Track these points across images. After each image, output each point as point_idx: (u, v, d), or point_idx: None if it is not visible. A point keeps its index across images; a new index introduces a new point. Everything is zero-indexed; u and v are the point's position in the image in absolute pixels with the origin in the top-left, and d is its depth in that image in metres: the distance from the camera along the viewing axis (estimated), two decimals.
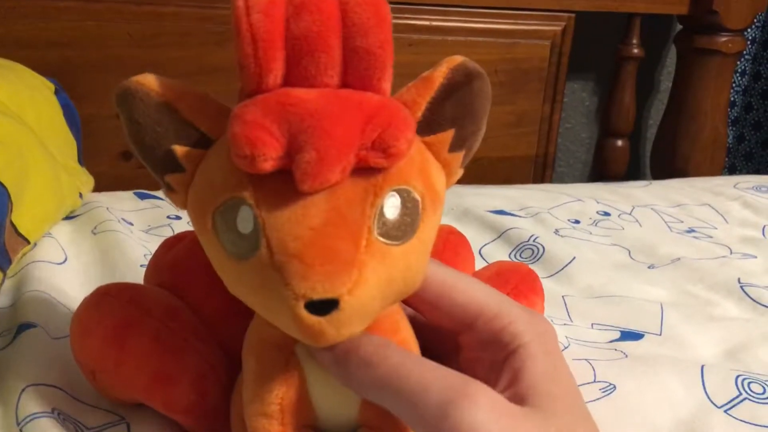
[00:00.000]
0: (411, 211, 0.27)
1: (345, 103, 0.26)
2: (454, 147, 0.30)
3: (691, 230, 0.74)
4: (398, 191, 0.27)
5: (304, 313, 0.25)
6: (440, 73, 0.29)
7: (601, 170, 1.23)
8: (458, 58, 0.30)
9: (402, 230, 0.27)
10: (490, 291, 0.31)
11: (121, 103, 0.28)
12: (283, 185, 0.26)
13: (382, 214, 0.26)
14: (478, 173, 0.94)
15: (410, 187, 0.27)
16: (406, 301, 0.32)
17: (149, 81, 0.28)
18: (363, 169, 0.26)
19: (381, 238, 0.26)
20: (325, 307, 0.25)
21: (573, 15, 1.05)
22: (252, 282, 0.26)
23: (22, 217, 0.51)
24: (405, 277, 0.28)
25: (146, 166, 0.29)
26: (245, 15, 0.25)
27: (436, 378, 0.27)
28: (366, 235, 0.26)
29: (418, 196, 0.27)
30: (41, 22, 0.82)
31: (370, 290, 0.26)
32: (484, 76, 0.29)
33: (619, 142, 1.20)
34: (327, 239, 0.25)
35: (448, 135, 0.29)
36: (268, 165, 0.25)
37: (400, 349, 0.28)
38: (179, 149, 0.28)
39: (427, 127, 0.29)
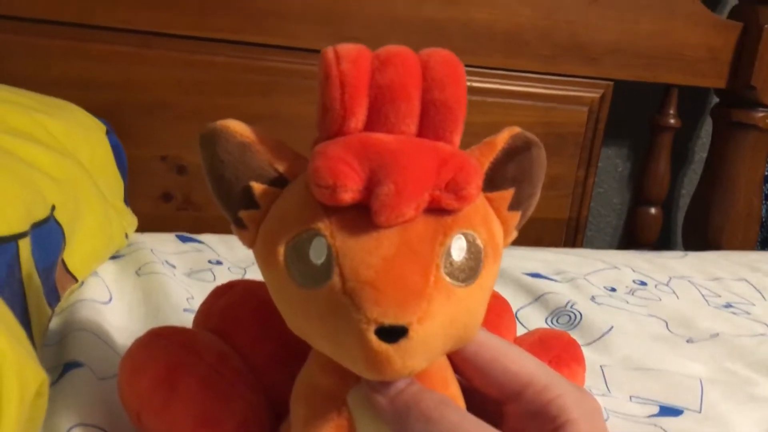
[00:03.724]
0: (475, 256, 0.28)
1: (421, 147, 0.28)
2: (513, 206, 0.31)
3: (728, 305, 0.73)
4: (465, 235, 0.28)
5: (374, 338, 0.25)
6: (502, 139, 0.31)
7: (632, 236, 1.22)
8: (517, 129, 0.32)
9: (466, 273, 0.28)
10: (540, 363, 0.31)
11: (206, 141, 0.30)
12: (357, 219, 0.27)
13: (449, 254, 0.27)
14: None
15: (476, 232, 0.28)
16: (456, 368, 0.32)
17: (234, 124, 0.30)
18: (433, 210, 0.28)
19: (447, 278, 0.27)
20: (394, 334, 0.25)
21: (611, 83, 1.06)
22: (321, 310, 0.27)
23: (72, 256, 0.52)
24: (466, 320, 0.28)
25: (220, 203, 0.31)
26: (335, 63, 0.28)
27: None
28: (434, 272, 0.27)
29: (481, 243, 0.29)
30: (97, 64, 0.84)
31: (436, 325, 0.26)
32: (541, 145, 0.32)
33: (652, 210, 1.20)
34: (399, 269, 0.26)
35: (509, 193, 0.31)
36: (347, 196, 0.26)
37: (460, 408, 0.29)
38: (257, 186, 0.30)
39: (490, 184, 0.31)
